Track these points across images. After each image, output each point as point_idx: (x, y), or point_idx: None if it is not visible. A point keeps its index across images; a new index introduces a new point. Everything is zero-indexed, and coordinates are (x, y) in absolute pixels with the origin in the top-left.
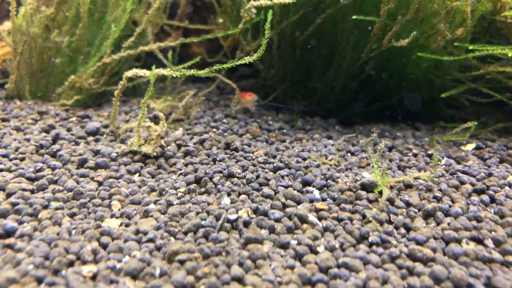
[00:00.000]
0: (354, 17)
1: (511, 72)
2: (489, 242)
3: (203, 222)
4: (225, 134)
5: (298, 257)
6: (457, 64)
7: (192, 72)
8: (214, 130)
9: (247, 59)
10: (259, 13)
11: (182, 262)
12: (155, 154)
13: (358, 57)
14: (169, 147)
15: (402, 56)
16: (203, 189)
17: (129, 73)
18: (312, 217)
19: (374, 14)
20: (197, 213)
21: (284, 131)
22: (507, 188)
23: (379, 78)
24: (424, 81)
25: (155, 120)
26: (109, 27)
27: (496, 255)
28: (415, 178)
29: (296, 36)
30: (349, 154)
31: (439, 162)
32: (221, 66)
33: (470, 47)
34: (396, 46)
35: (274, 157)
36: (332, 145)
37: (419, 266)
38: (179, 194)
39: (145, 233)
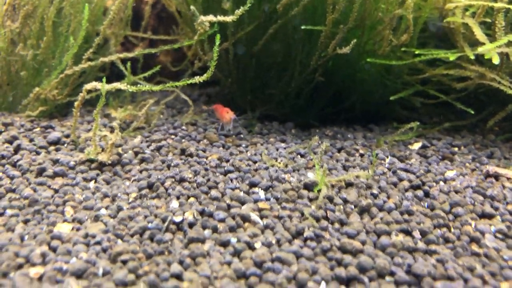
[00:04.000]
0: (303, 27)
1: (454, 74)
2: (416, 233)
3: (149, 225)
4: (183, 140)
5: (237, 253)
6: (407, 68)
7: (147, 87)
8: (173, 137)
9: (197, 79)
10: (213, 25)
11: (124, 262)
12: (110, 162)
13: (308, 64)
14: (125, 155)
15: (352, 62)
16: (154, 194)
17: (88, 86)
18: (254, 216)
19: (323, 24)
20: (145, 216)
21: (241, 136)
22: (441, 183)
23: (332, 83)
24: (376, 85)
25: (113, 129)
26: (68, 39)
27: (421, 244)
28: (356, 177)
29: (249, 48)
30: (299, 156)
31: (382, 162)
32: (173, 84)
33: (417, 52)
34: (343, 53)
35: (227, 161)
36: (284, 148)
37: (347, 258)
38: (130, 199)
39: (94, 236)
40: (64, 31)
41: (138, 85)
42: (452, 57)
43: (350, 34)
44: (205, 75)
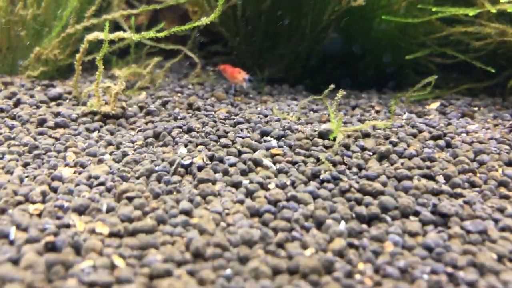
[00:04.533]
0: None
1: (474, 32)
2: (440, 178)
3: (156, 168)
4: (190, 98)
5: (249, 194)
6: (422, 27)
7: (151, 35)
8: (179, 94)
9: (204, 20)
10: None
11: (130, 199)
12: (113, 112)
13: (320, 21)
14: (130, 108)
15: (366, 20)
16: (160, 143)
17: (90, 36)
18: (266, 161)
19: None
20: (152, 161)
21: (251, 95)
22: (463, 135)
23: (345, 43)
24: (390, 45)
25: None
26: None
27: (445, 187)
28: (374, 128)
29: (258, 4)
30: (311, 112)
31: (399, 117)
32: (179, 28)
33: (434, 9)
34: (357, 8)
35: (236, 115)
36: (296, 104)
37: (368, 198)
38: (136, 147)
39: (97, 178)
40: None
41: (143, 33)
42: (471, 13)
43: None
44: (211, 16)
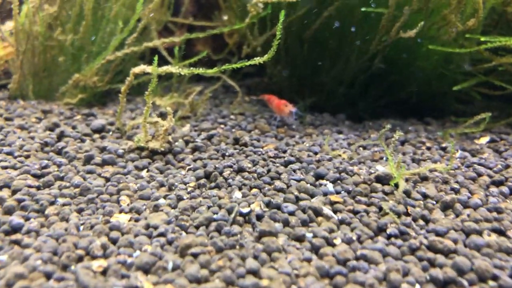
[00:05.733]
0: (363, 9)
1: None
2: (511, 233)
3: (215, 216)
4: (233, 130)
5: (315, 249)
6: (468, 57)
7: (200, 70)
8: (222, 126)
9: (257, 60)
10: (265, 7)
11: (195, 256)
12: (162, 149)
13: (366, 50)
14: (176, 143)
15: (412, 49)
16: (213, 184)
17: (136, 69)
18: (327, 210)
19: (383, 6)
20: (208, 207)
21: (293, 127)
22: None
23: (389, 72)
24: (434, 75)
25: (162, 116)
26: (111, 23)
27: None
28: (431, 170)
29: (301, 32)
30: (361, 148)
31: (453, 155)
32: (230, 66)
33: (482, 39)
34: (405, 38)
35: (285, 151)
36: (343, 139)
37: (440, 258)
38: (189, 189)
39: (156, 228)
40: (106, 15)
41: (192, 68)
42: None
43: (411, 19)
44: (266, 56)
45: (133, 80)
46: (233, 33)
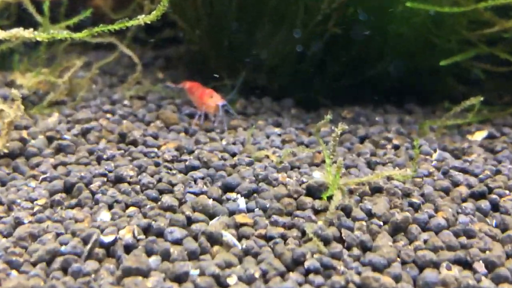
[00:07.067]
0: None
1: None
2: (479, 266)
3: (62, 248)
4: (124, 121)
5: None
6: (465, 19)
7: (66, 34)
8: (108, 116)
9: (142, 19)
10: None
11: None
12: (6, 151)
13: (319, 8)
14: (34, 141)
15: (382, 8)
16: (74, 201)
17: None
18: (228, 236)
19: None
20: (57, 234)
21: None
22: None
23: (353, 41)
24: (419, 44)
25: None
26: None
27: (487, 283)
28: (387, 179)
29: None
30: (300, 146)
31: (428, 157)
32: (105, 28)
33: None
34: None
35: (190, 152)
36: (279, 134)
37: None
38: (36, 208)
39: None
40: None
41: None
42: None
43: None
44: (153, 13)
45: None
46: None
